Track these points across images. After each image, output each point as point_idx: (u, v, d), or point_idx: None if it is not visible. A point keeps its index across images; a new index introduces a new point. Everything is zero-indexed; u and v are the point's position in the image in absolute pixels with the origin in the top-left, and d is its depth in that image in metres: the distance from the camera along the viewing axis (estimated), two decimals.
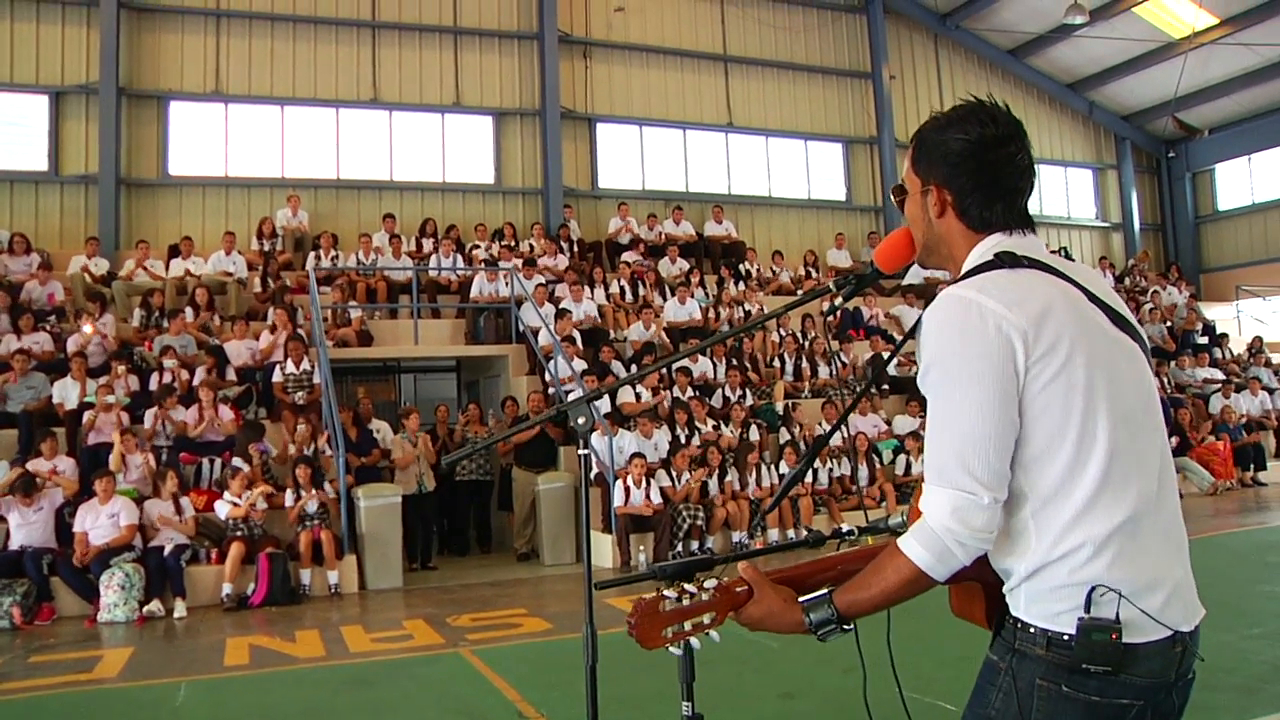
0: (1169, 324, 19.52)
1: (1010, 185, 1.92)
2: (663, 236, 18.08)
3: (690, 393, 13.45)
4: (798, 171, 21.38)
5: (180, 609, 9.22)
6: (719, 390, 13.96)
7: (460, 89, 18.40)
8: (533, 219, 18.22)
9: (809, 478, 12.28)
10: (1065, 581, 1.73)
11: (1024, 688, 1.77)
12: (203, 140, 16.98)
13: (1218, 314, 21.56)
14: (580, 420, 2.30)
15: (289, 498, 10.28)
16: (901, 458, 13.27)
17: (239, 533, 9.81)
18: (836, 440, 12.96)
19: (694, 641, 1.95)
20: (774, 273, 18.38)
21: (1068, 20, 19.84)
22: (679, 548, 11.13)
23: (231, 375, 12.32)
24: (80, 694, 6.59)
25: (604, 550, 11.15)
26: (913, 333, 1.95)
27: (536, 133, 18.78)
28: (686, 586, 1.92)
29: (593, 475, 11.66)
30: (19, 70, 15.84)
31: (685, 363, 13.95)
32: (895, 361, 15.35)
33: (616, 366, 13.51)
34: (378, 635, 8.13)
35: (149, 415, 11.10)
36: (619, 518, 11.05)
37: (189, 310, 13.31)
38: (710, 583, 1.93)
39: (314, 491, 10.24)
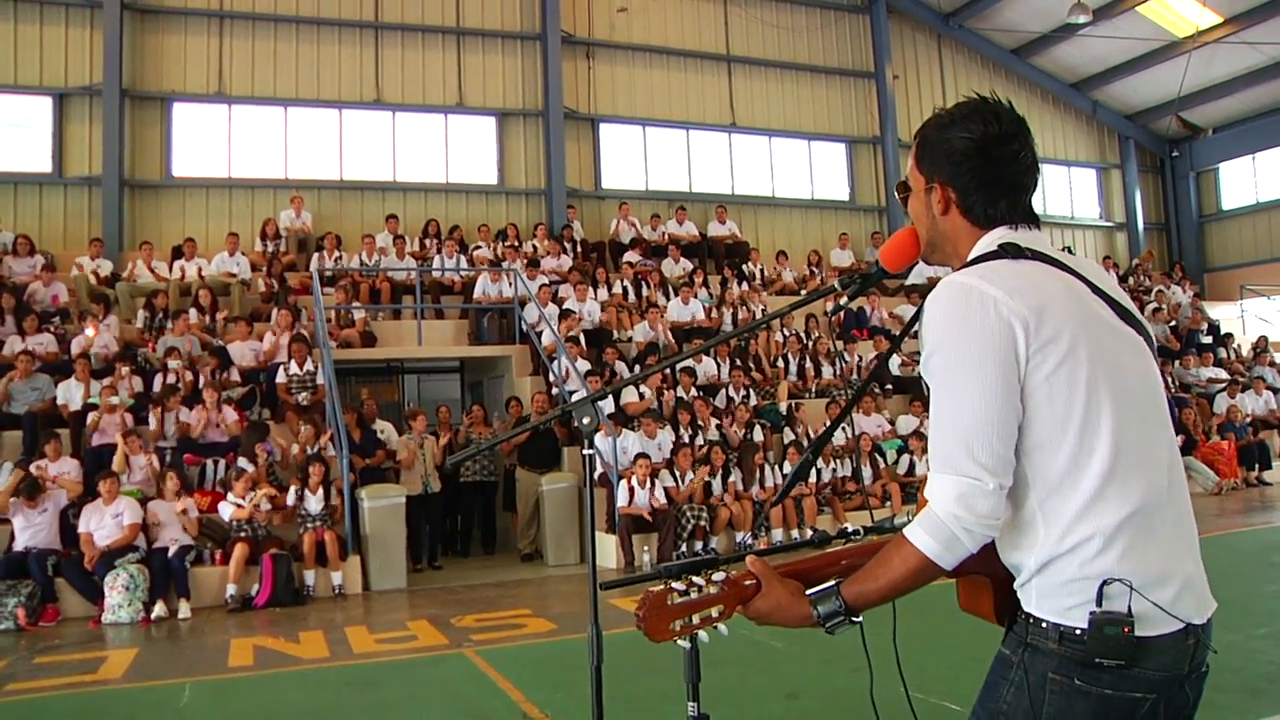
0: (1174, 323, 19.49)
1: (1014, 182, 1.92)
2: (666, 237, 18.07)
3: (694, 393, 13.44)
4: (801, 171, 21.38)
5: (185, 610, 9.22)
6: (723, 390, 13.95)
7: (463, 90, 18.41)
8: (536, 219, 18.22)
9: (812, 477, 12.27)
10: (1076, 575, 1.72)
11: (1036, 682, 1.77)
12: (206, 141, 17.00)
13: (1222, 313, 21.51)
14: (584, 421, 2.30)
15: (291, 496, 10.27)
16: (905, 457, 13.25)
17: (243, 534, 9.81)
18: (840, 440, 12.96)
19: (702, 635, 1.94)
20: (777, 273, 18.37)
21: (1071, 20, 19.81)
22: (683, 548, 11.12)
23: (235, 376, 12.32)
24: (85, 695, 6.59)
25: (608, 551, 11.14)
26: (913, 323, 1.96)
27: (540, 133, 18.78)
28: (695, 579, 1.92)
29: (597, 476, 11.66)
30: (23, 72, 15.86)
31: (689, 363, 13.94)
32: (899, 361, 15.34)
33: (620, 367, 13.50)
34: (382, 636, 8.13)
35: (153, 416, 11.11)
36: (623, 518, 11.05)
37: (193, 311, 13.31)
38: (718, 576, 1.93)
39: (320, 491, 10.24)
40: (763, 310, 16.20)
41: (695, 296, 15.92)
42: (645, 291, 16.27)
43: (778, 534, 11.75)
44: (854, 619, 1.87)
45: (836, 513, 12.22)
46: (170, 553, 9.49)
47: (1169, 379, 17.14)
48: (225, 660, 7.46)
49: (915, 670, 2.15)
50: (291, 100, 17.37)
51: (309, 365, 12.22)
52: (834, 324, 16.20)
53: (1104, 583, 1.70)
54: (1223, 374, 17.92)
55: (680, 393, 13.39)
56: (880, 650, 2.06)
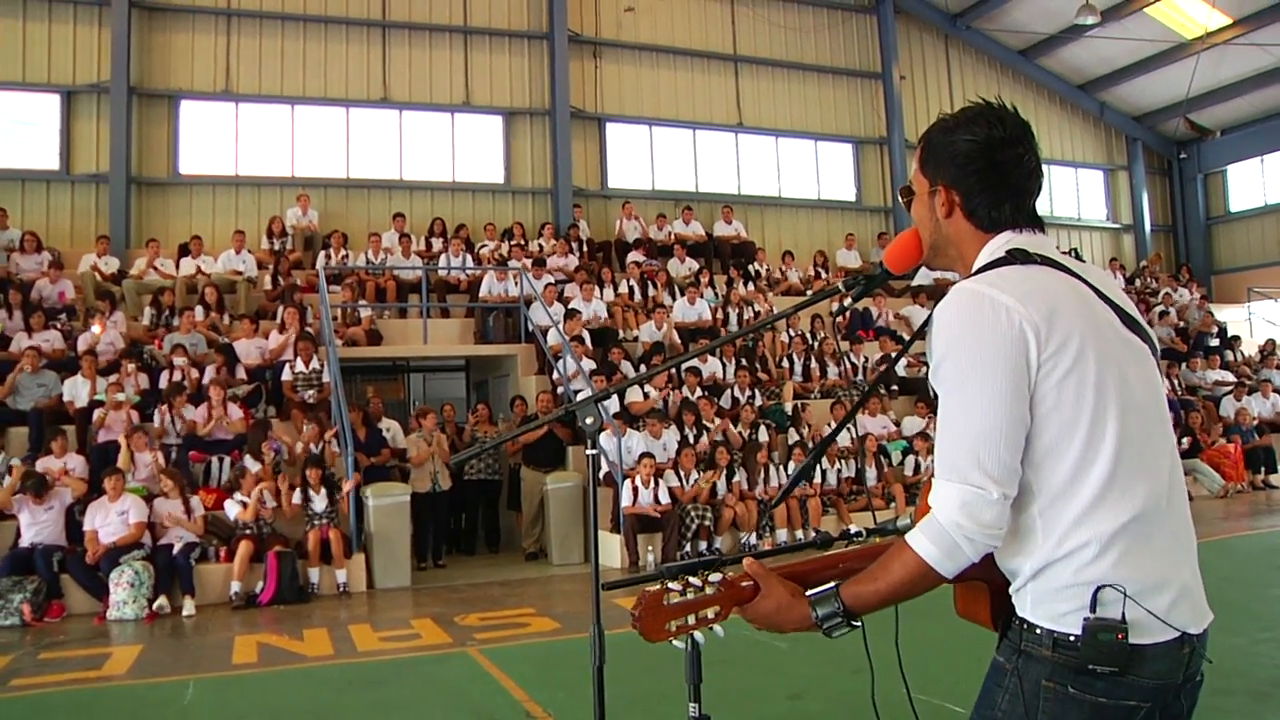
0: (1184, 324, 19.45)
1: (1018, 185, 1.92)
2: (672, 236, 18.06)
3: (699, 393, 13.43)
4: (807, 172, 21.36)
5: (189, 607, 9.24)
6: (728, 390, 13.94)
7: (470, 88, 18.42)
8: (542, 219, 18.23)
9: (817, 478, 12.26)
10: (1071, 581, 1.72)
11: (1030, 689, 1.76)
12: (213, 139, 17.02)
13: (1229, 316, 21.43)
14: (588, 420, 2.30)
15: (297, 495, 10.28)
16: (910, 459, 13.24)
17: (248, 531, 9.82)
18: (845, 441, 12.96)
19: (698, 635, 1.94)
20: (783, 273, 18.35)
21: (1079, 21, 19.76)
22: (687, 548, 11.11)
23: (241, 374, 12.34)
24: (89, 691, 6.61)
25: (612, 550, 11.14)
26: (922, 330, 1.96)
27: (546, 132, 18.79)
28: (692, 580, 1.92)
29: (601, 475, 11.66)
30: (31, 69, 15.90)
31: (695, 363, 13.94)
32: (904, 362, 15.32)
33: (626, 367, 13.49)
34: (386, 634, 8.14)
35: (158, 413, 11.13)
36: (627, 518, 11.04)
37: (199, 309, 13.33)
38: (715, 577, 1.93)
39: (327, 490, 10.25)
40: (769, 310, 16.18)
41: (701, 296, 15.91)
42: (651, 291, 16.26)
43: (782, 535, 11.74)
44: (853, 622, 1.86)
45: (841, 514, 12.20)
46: (175, 550, 9.51)
47: (1175, 381, 17.10)
48: (229, 658, 7.47)
49: (918, 672, 2.14)
50: (298, 98, 17.40)
51: (315, 363, 12.24)
52: (839, 325, 16.18)
53: (1098, 588, 1.69)
54: (1229, 377, 17.87)
55: (686, 392, 13.38)
56: (884, 652, 2.06)
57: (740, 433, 12.81)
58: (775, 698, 5.71)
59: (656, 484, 11.23)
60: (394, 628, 8.40)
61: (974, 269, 1.90)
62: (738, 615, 1.94)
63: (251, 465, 10.43)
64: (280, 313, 13.25)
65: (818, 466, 12.18)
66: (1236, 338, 19.87)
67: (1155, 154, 24.85)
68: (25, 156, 16.04)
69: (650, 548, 11.00)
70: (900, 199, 2.11)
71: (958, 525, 1.71)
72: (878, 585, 1.82)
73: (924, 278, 16.16)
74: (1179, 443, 14.65)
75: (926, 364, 1.84)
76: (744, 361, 14.63)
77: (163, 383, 11.68)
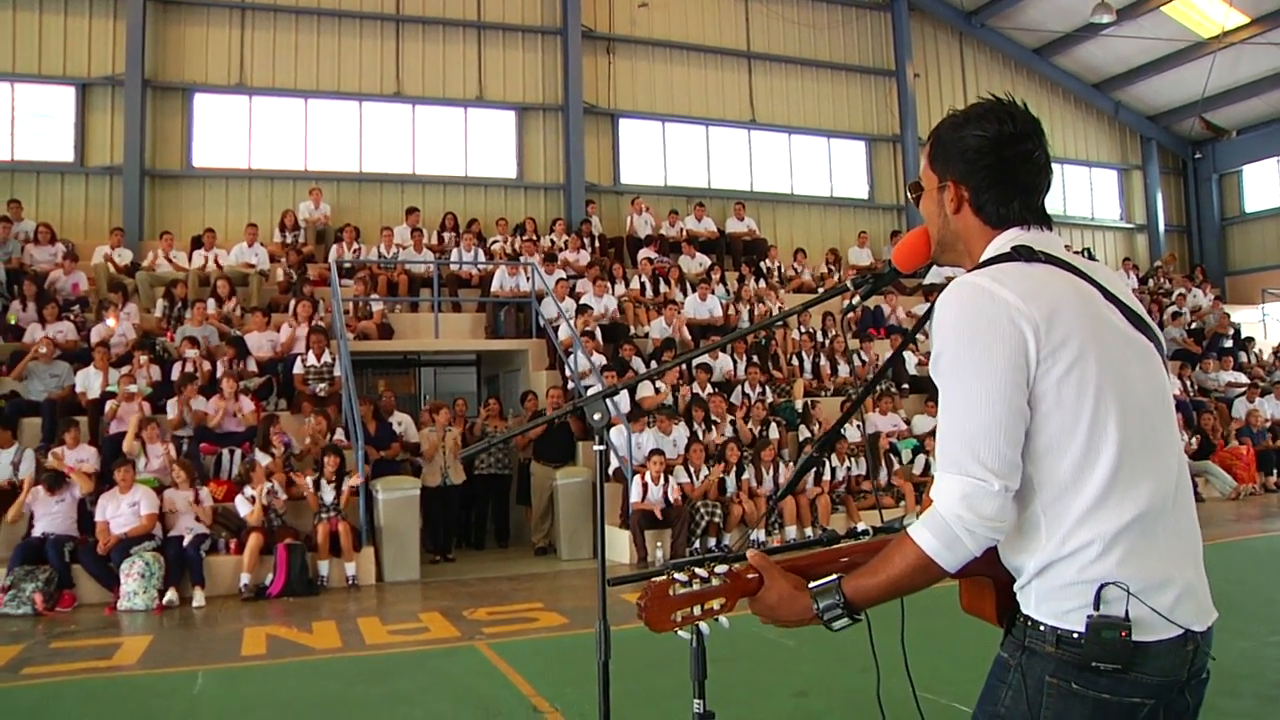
0: (1201, 325, 19.35)
1: (1027, 182, 1.92)
2: (684, 233, 18.05)
3: (710, 389, 13.42)
4: (820, 169, 21.33)
5: (199, 598, 9.28)
6: (739, 387, 13.93)
7: (483, 83, 18.43)
8: (554, 214, 18.24)
9: (826, 475, 12.24)
10: (1074, 579, 1.72)
11: (1033, 685, 1.76)
12: (226, 132, 17.08)
13: (1243, 317, 21.32)
14: (596, 416, 2.30)
15: (309, 486, 10.31)
16: (920, 457, 13.21)
17: (258, 523, 9.85)
18: (855, 438, 12.93)
19: (703, 626, 1.95)
20: (795, 270, 18.33)
21: (1095, 19, 19.65)
22: (696, 544, 11.11)
23: (252, 366, 12.39)
24: (99, 680, 6.64)
25: (621, 546, 11.15)
26: (924, 321, 1.96)
27: (559, 128, 18.80)
28: (698, 571, 1.92)
29: (611, 471, 11.67)
30: (46, 62, 15.97)
31: (706, 359, 13.93)
32: (915, 361, 15.28)
33: (636, 363, 13.49)
34: (394, 627, 8.17)
35: (170, 405, 11.18)
36: (636, 514, 11.05)
37: (211, 301, 13.38)
38: (721, 568, 1.94)
39: (347, 487, 10.27)
40: (779, 308, 16.16)
41: (712, 293, 15.90)
42: (663, 288, 16.26)
43: (791, 531, 11.73)
44: (855, 615, 1.87)
45: (850, 512, 12.19)
46: (185, 541, 9.55)
47: (1188, 383, 17.03)
48: (238, 649, 7.51)
49: (924, 670, 2.14)
50: (312, 92, 17.44)
51: (326, 356, 12.28)
52: (850, 322, 16.16)
53: (1102, 586, 1.69)
54: (1242, 378, 17.79)
55: (696, 389, 13.38)
56: (891, 650, 2.06)
57: (751, 429, 12.80)
58: (781, 695, 5.71)
59: (666, 480, 11.24)
60: (402, 621, 8.42)
61: (979, 262, 1.90)
62: (742, 607, 1.95)
63: (262, 458, 10.46)
64: (292, 306, 13.29)
65: (826, 464, 12.16)
66: (1250, 339, 19.78)
67: (1170, 154, 24.72)
68: (40, 149, 16.11)
69: (659, 544, 11.01)
70: (909, 195, 2.11)
71: (959, 517, 1.71)
72: (879, 578, 1.82)
73: (936, 276, 16.08)
74: (1189, 443, 14.53)
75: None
76: (755, 358, 14.62)
77: (174, 374, 11.73)
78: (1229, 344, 19.25)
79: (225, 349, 12.37)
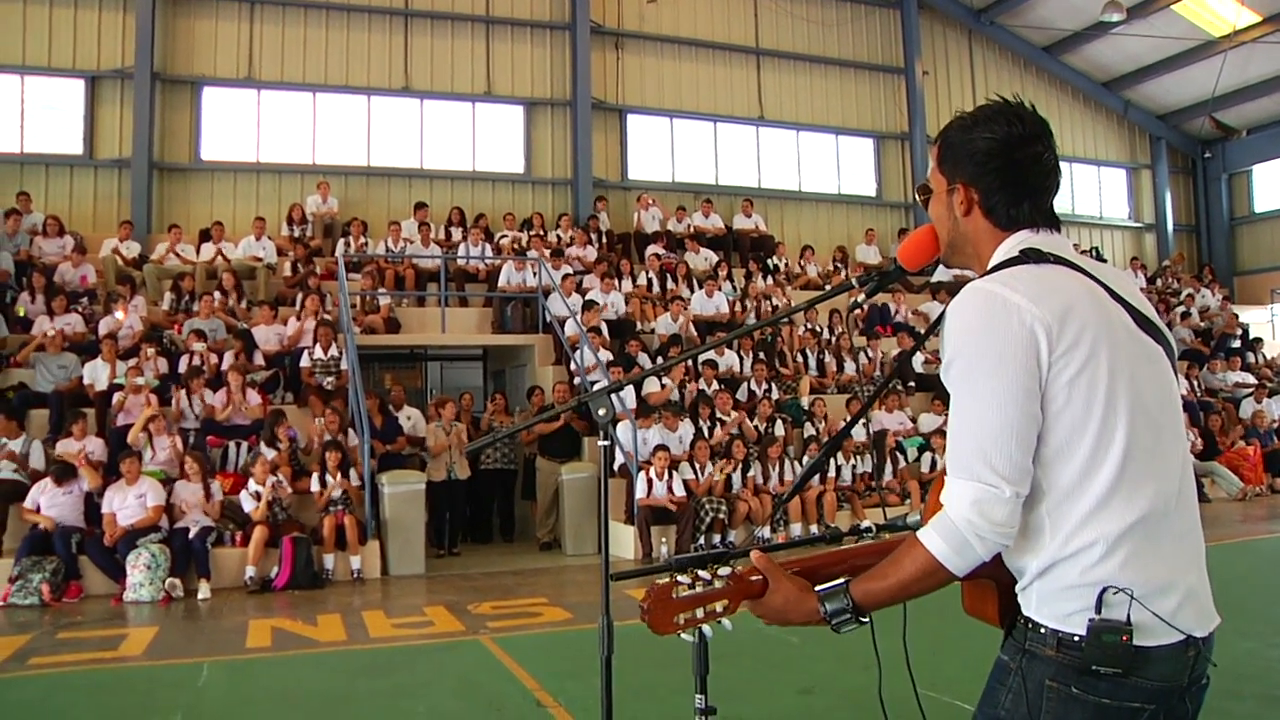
0: (1207, 325, 19.30)
1: (1036, 184, 1.92)
2: (692, 229, 18.04)
3: (716, 386, 13.42)
4: (828, 166, 21.30)
5: (204, 590, 9.31)
6: (745, 384, 13.93)
7: (491, 78, 18.43)
8: (562, 209, 18.26)
9: (832, 473, 12.25)
10: (1076, 581, 1.72)
11: (1033, 688, 1.76)
12: (235, 126, 17.11)
13: (1252, 318, 21.24)
14: (601, 412, 2.30)
15: (314, 483, 10.34)
16: (926, 455, 13.20)
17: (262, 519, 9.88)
18: (861, 436, 12.93)
19: (706, 629, 1.95)
20: (803, 268, 18.30)
21: (1105, 18, 19.56)
22: (701, 541, 11.12)
23: (259, 360, 12.41)
24: (105, 671, 6.67)
25: (626, 542, 11.16)
26: (936, 326, 1.95)
27: (567, 123, 18.80)
28: (701, 574, 1.92)
29: (616, 467, 11.68)
30: (56, 55, 16.00)
31: (712, 355, 13.92)
32: (922, 359, 15.27)
33: (643, 359, 13.49)
34: (399, 621, 8.18)
35: (177, 398, 11.20)
36: (641, 510, 11.05)
37: (218, 294, 13.40)
38: (724, 571, 1.94)
39: (339, 479, 10.29)
40: (787, 305, 16.14)
41: (719, 290, 15.89)
42: (670, 284, 16.26)
43: (796, 529, 11.74)
44: (861, 618, 1.87)
45: (855, 510, 12.19)
46: (191, 533, 9.58)
47: (1195, 383, 16.98)
48: (243, 641, 7.53)
49: (926, 669, 2.14)
50: (320, 86, 17.46)
51: (333, 350, 12.30)
52: (857, 320, 16.14)
53: (1103, 590, 1.69)
54: (1250, 379, 17.74)
55: (702, 385, 13.38)
56: (894, 648, 2.06)
57: (756, 426, 12.80)
58: (784, 692, 5.72)
59: (671, 476, 11.24)
60: (407, 615, 8.44)
61: (988, 268, 1.89)
62: (746, 609, 1.95)
63: (267, 451, 10.49)
64: (299, 300, 13.30)
65: (832, 462, 12.16)
66: (1259, 339, 19.71)
67: (1179, 153, 24.63)
68: (49, 141, 16.15)
69: (664, 540, 11.01)
70: (918, 197, 2.11)
71: (970, 522, 1.71)
72: (888, 582, 1.82)
73: (943, 274, 16.09)
74: (1194, 443, 14.46)
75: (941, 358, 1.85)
76: (761, 355, 14.62)
77: (182, 367, 11.75)
78: (1237, 344, 19.19)
79: (232, 342, 12.39)
